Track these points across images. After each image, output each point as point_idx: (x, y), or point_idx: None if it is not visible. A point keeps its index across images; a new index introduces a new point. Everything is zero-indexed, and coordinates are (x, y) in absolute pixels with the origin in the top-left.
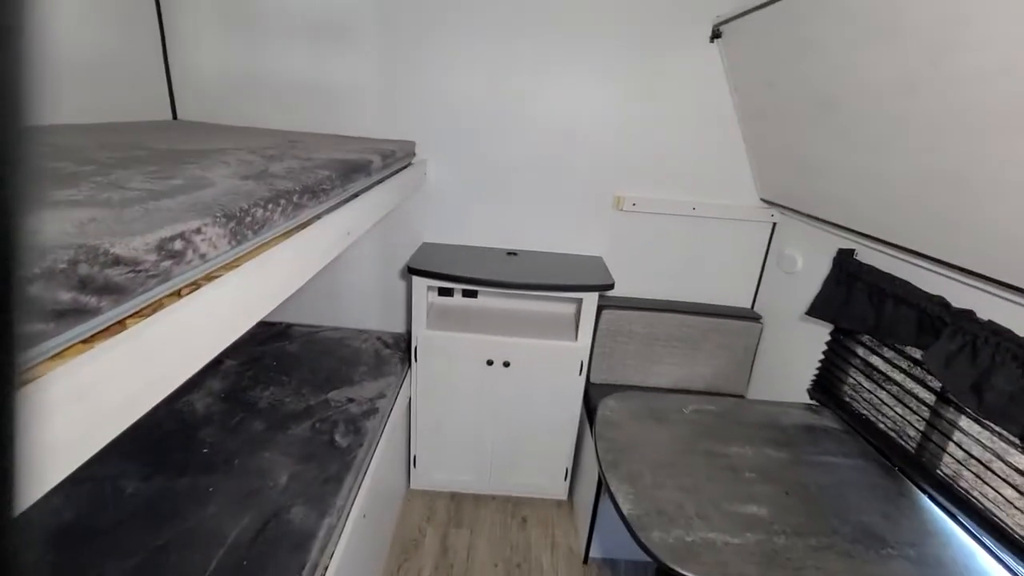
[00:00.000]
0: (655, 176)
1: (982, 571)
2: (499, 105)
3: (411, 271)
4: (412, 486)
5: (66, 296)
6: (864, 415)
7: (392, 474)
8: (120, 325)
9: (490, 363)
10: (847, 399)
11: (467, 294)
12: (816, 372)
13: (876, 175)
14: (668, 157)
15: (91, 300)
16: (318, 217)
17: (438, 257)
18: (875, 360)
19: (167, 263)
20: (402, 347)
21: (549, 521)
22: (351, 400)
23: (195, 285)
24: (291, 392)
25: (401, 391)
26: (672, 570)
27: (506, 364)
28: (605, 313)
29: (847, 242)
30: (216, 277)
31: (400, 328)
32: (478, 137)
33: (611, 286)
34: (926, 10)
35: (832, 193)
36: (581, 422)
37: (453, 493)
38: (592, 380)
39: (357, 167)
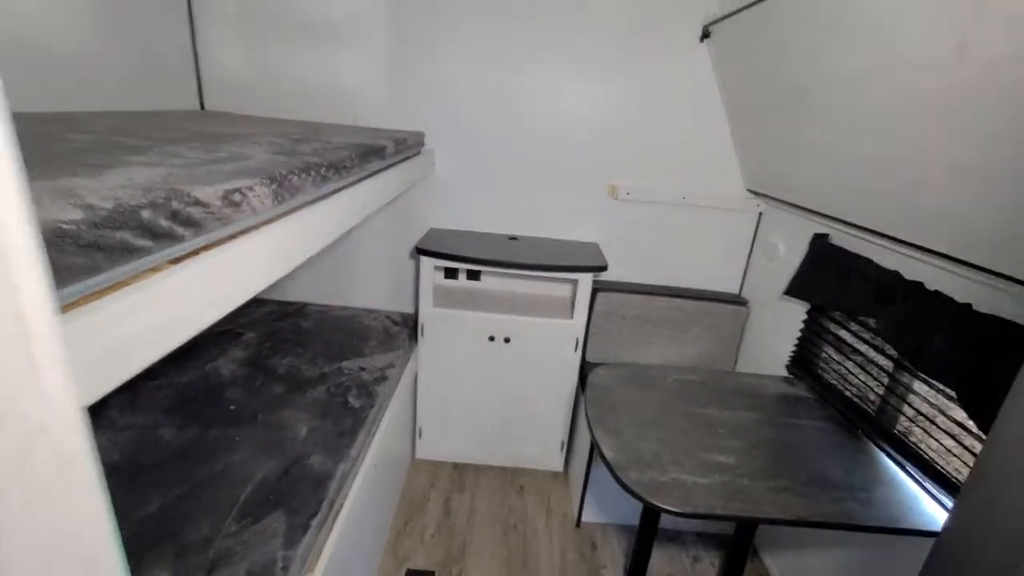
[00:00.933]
0: (648, 167)
1: (922, 511)
2: (500, 101)
3: (419, 251)
4: (418, 456)
5: (164, 223)
6: (833, 384)
7: (400, 441)
8: (195, 253)
9: (491, 339)
10: (819, 371)
11: (471, 276)
12: (793, 349)
13: (844, 161)
14: (661, 149)
15: (179, 229)
16: (341, 189)
17: (444, 240)
18: (843, 334)
19: (229, 210)
20: (409, 325)
21: (545, 490)
22: (363, 369)
23: (246, 231)
24: (307, 361)
25: (408, 365)
26: (648, 503)
27: (507, 340)
28: (600, 296)
29: (823, 227)
30: (262, 227)
31: (408, 309)
32: (481, 130)
33: (604, 268)
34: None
35: (809, 181)
36: (577, 398)
37: (456, 463)
38: (588, 359)
39: (373, 151)
